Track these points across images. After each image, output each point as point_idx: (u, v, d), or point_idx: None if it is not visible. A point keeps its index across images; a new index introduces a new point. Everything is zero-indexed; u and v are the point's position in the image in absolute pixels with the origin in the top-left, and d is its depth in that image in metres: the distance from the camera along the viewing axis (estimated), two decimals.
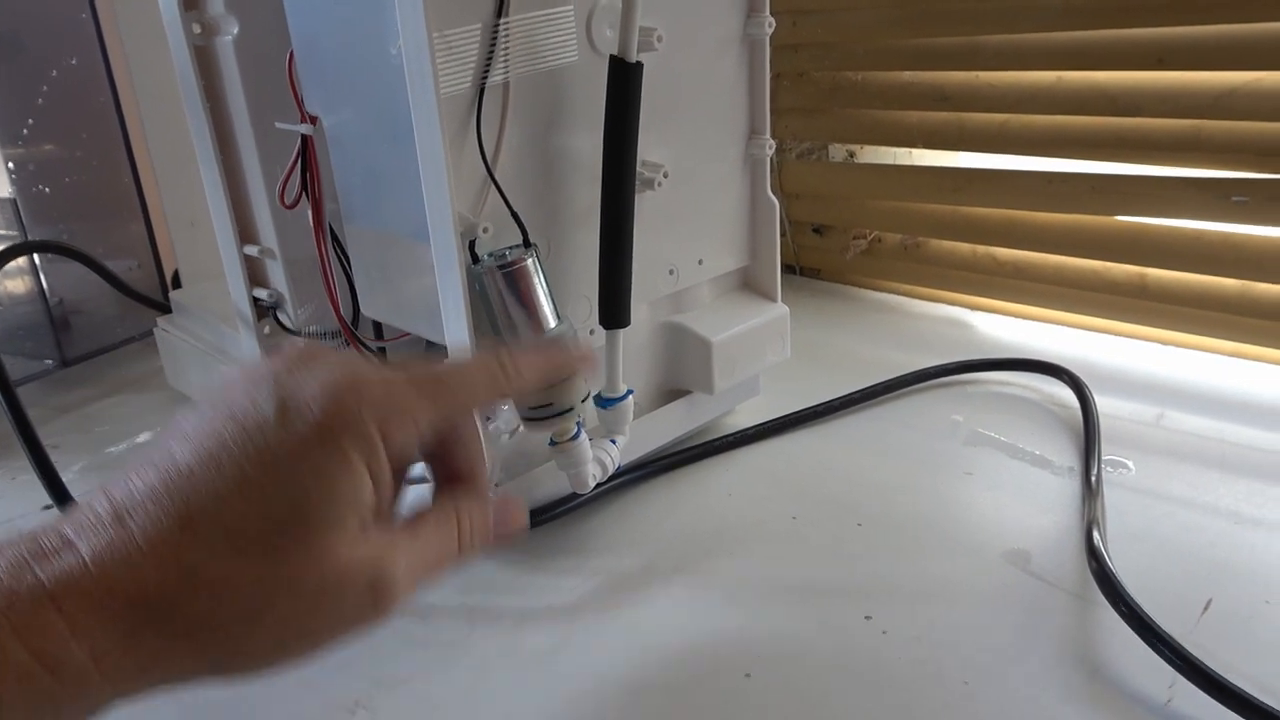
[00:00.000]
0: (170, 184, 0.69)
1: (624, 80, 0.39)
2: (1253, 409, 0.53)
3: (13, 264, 0.63)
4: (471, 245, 0.38)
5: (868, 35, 0.67)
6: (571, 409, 0.39)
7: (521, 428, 0.40)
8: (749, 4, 0.47)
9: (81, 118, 0.67)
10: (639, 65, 0.39)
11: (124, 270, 0.69)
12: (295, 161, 0.45)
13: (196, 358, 0.59)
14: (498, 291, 0.38)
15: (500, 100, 0.38)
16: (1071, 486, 0.46)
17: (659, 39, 0.41)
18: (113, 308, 0.70)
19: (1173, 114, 0.55)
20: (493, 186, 0.38)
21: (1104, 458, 0.48)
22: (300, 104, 0.44)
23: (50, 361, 0.67)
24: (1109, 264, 0.62)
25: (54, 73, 0.65)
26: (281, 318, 0.52)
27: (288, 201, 0.46)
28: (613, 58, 0.39)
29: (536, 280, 0.38)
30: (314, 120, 0.44)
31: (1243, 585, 0.39)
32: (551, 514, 0.46)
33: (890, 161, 0.74)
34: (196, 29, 0.47)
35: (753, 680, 0.36)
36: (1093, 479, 0.45)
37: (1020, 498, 0.46)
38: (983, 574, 0.41)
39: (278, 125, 0.45)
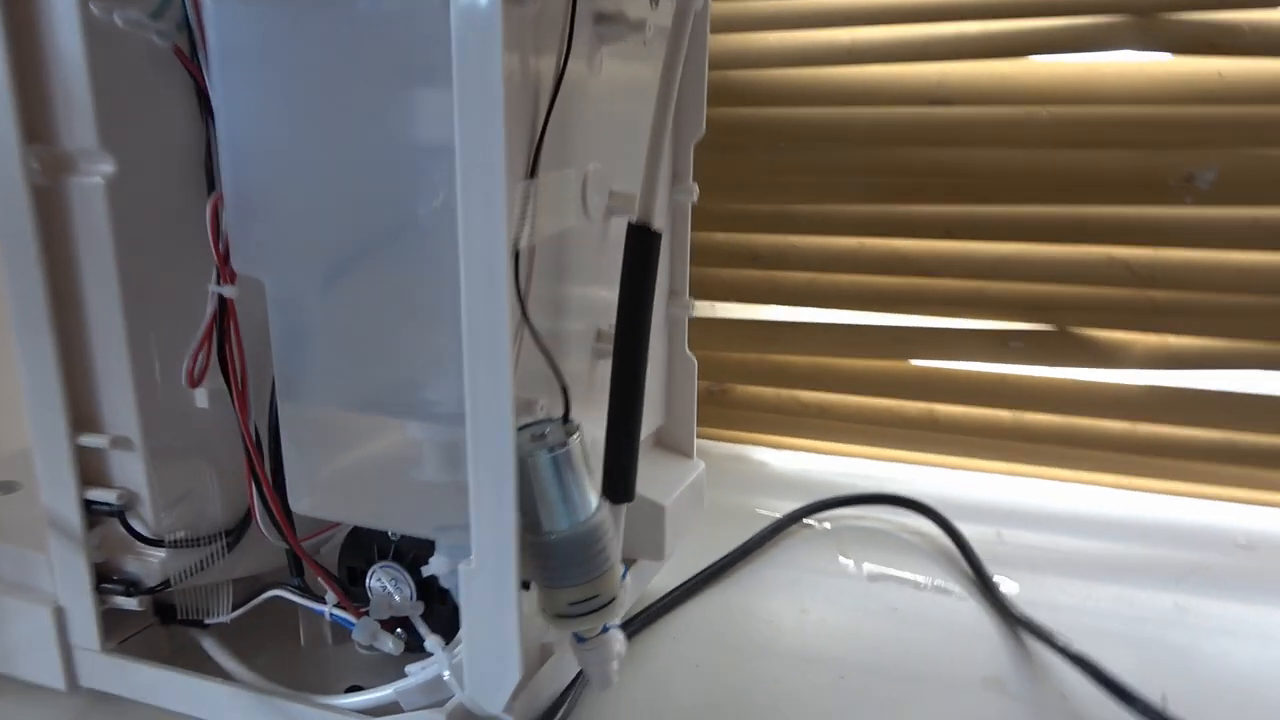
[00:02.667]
0: None
1: (645, 247, 0.37)
2: (1061, 520, 0.63)
3: None
4: None
5: None
6: (614, 599, 0.36)
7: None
8: (675, 172, 0.48)
9: None
10: (659, 234, 0.38)
11: None
12: (210, 329, 0.37)
13: None
14: (541, 476, 0.34)
15: (527, 265, 0.35)
16: (983, 609, 0.51)
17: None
18: None
19: (959, 275, 0.65)
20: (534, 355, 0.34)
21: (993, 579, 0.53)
22: (223, 261, 0.36)
23: None
24: (903, 402, 0.70)
25: None
26: (133, 523, 0.40)
27: (195, 378, 0.37)
28: (633, 225, 0.37)
29: (582, 461, 0.35)
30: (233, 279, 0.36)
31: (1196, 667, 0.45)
32: None
33: (706, 315, 0.77)
34: (36, 166, 0.37)
35: None
36: (1004, 601, 0.50)
37: (955, 626, 0.49)
38: (982, 705, 0.43)
39: (212, 288, 0.36)
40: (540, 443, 0.34)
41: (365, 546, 0.41)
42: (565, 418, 0.35)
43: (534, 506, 0.34)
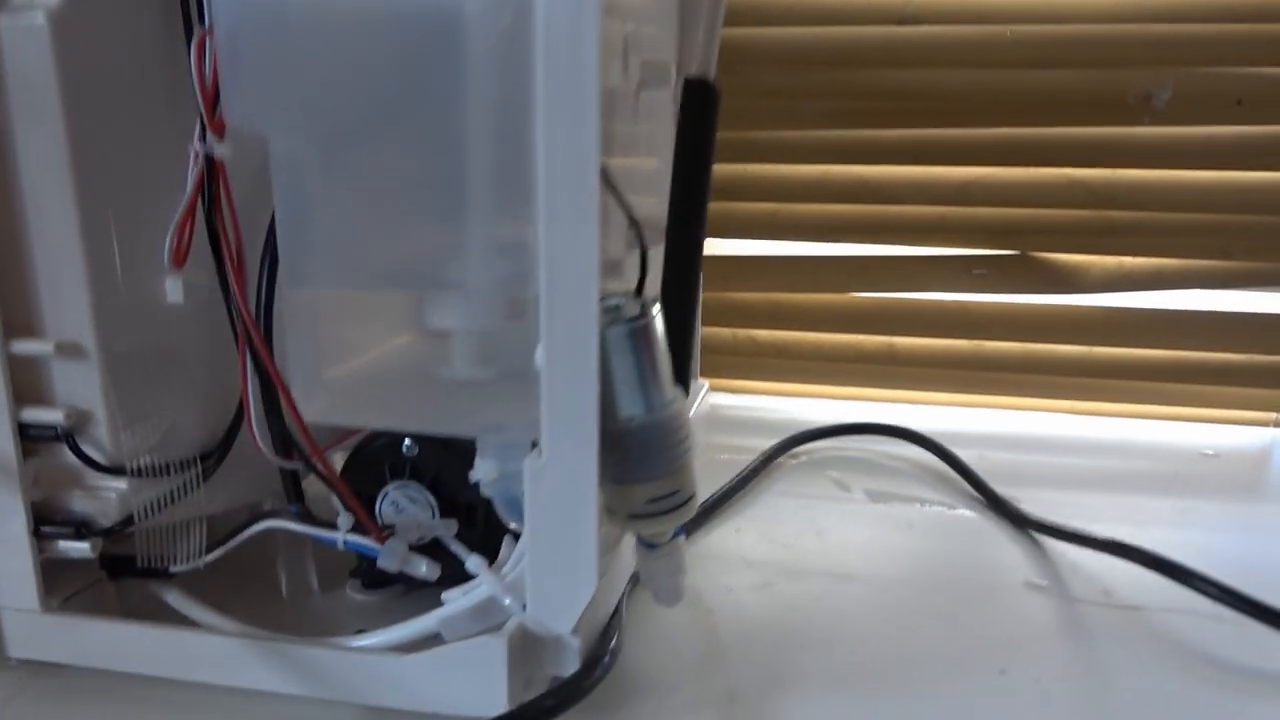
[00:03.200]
0: None
1: (707, 104, 0.33)
2: (1034, 442, 0.63)
3: None
4: None
5: None
6: (693, 495, 0.31)
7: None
8: None
9: None
10: (719, 92, 0.34)
11: None
12: (195, 196, 0.30)
13: None
14: (619, 354, 0.29)
15: None
16: (997, 521, 0.50)
17: None
18: None
19: (925, 201, 0.64)
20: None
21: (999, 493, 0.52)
22: (210, 115, 0.30)
23: None
24: (862, 336, 0.69)
25: None
26: (85, 447, 0.33)
27: (181, 256, 0.30)
28: (692, 80, 0.33)
29: (661, 338, 0.30)
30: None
31: None
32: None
33: None
34: None
35: None
36: (1017, 510, 0.49)
37: (977, 537, 0.48)
38: (1034, 607, 0.41)
39: (196, 146, 0.29)
40: (614, 316, 0.29)
41: (372, 466, 0.35)
42: (640, 288, 0.31)
43: (608, 390, 0.30)
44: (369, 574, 0.39)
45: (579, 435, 0.29)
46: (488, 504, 0.35)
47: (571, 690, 0.30)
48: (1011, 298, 0.66)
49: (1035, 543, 0.47)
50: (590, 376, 0.28)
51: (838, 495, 0.53)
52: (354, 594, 0.39)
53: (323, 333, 0.32)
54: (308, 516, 0.34)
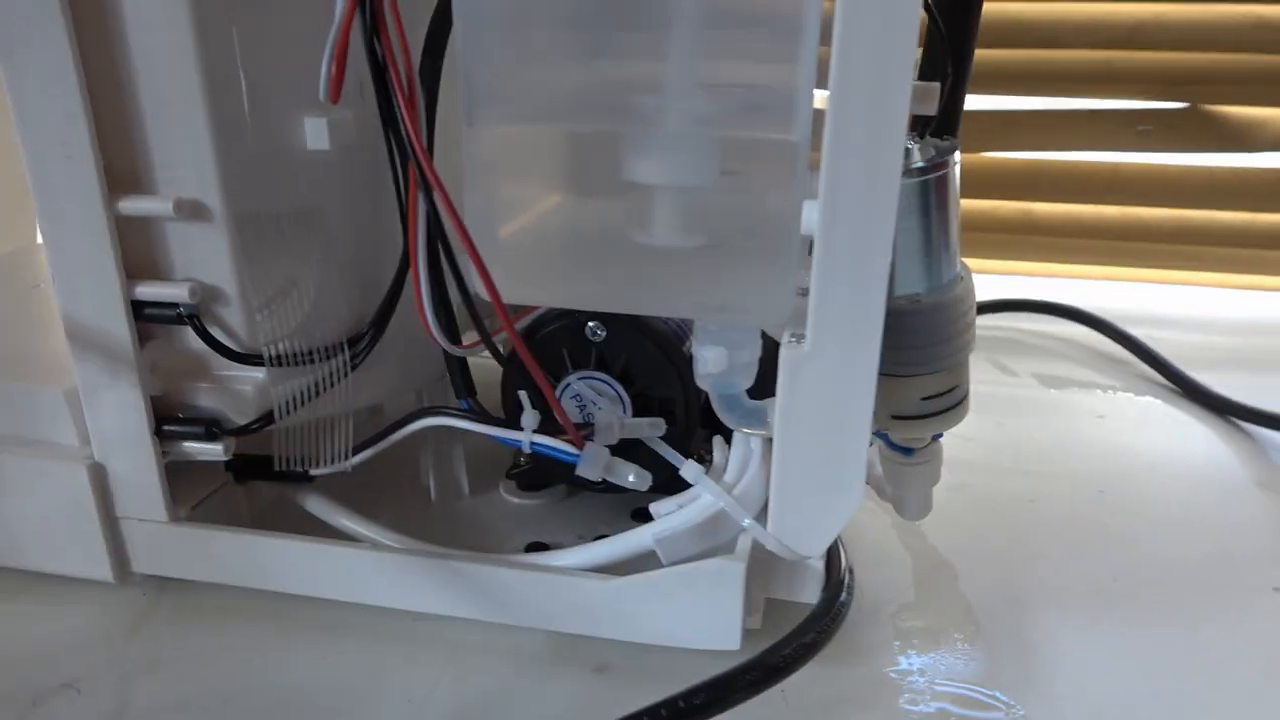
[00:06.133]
0: None
1: None
2: (1199, 322, 0.57)
3: None
4: None
5: None
6: (968, 394, 0.26)
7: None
8: None
9: None
10: None
11: None
12: (352, 8, 0.23)
13: None
14: (906, 217, 0.23)
15: None
16: (1194, 408, 0.44)
17: None
18: None
19: (1089, 45, 0.56)
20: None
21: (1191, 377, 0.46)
22: None
23: None
24: (998, 202, 0.62)
25: None
26: (213, 330, 0.27)
27: (338, 88, 0.23)
28: None
29: (955, 195, 0.24)
30: None
31: None
32: None
33: None
34: None
35: None
36: (1215, 396, 0.44)
37: (1177, 429, 0.42)
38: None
39: None
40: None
41: (546, 352, 0.29)
42: (933, 126, 0.24)
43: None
44: (528, 475, 0.34)
45: (860, 322, 0.22)
46: (686, 399, 0.29)
47: (830, 621, 0.25)
48: (1170, 157, 0.59)
49: (1245, 433, 0.42)
50: (885, 243, 0.22)
51: (1004, 380, 0.47)
52: (509, 496, 0.34)
53: (503, 187, 0.26)
54: (482, 413, 0.28)
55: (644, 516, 0.32)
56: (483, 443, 0.29)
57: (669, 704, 0.22)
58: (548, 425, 0.27)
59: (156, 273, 0.27)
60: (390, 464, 0.31)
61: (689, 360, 0.29)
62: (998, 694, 0.26)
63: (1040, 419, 0.43)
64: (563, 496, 0.34)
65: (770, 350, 0.25)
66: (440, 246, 0.25)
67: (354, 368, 0.29)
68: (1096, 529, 0.35)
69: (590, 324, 0.29)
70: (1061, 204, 0.61)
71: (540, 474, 0.34)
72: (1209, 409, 0.44)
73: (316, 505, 0.31)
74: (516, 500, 0.34)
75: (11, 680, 0.27)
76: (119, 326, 0.26)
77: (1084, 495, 0.37)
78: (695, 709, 0.22)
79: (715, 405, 0.27)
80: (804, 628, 0.24)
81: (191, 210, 0.26)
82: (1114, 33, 0.56)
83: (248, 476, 0.31)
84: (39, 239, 0.49)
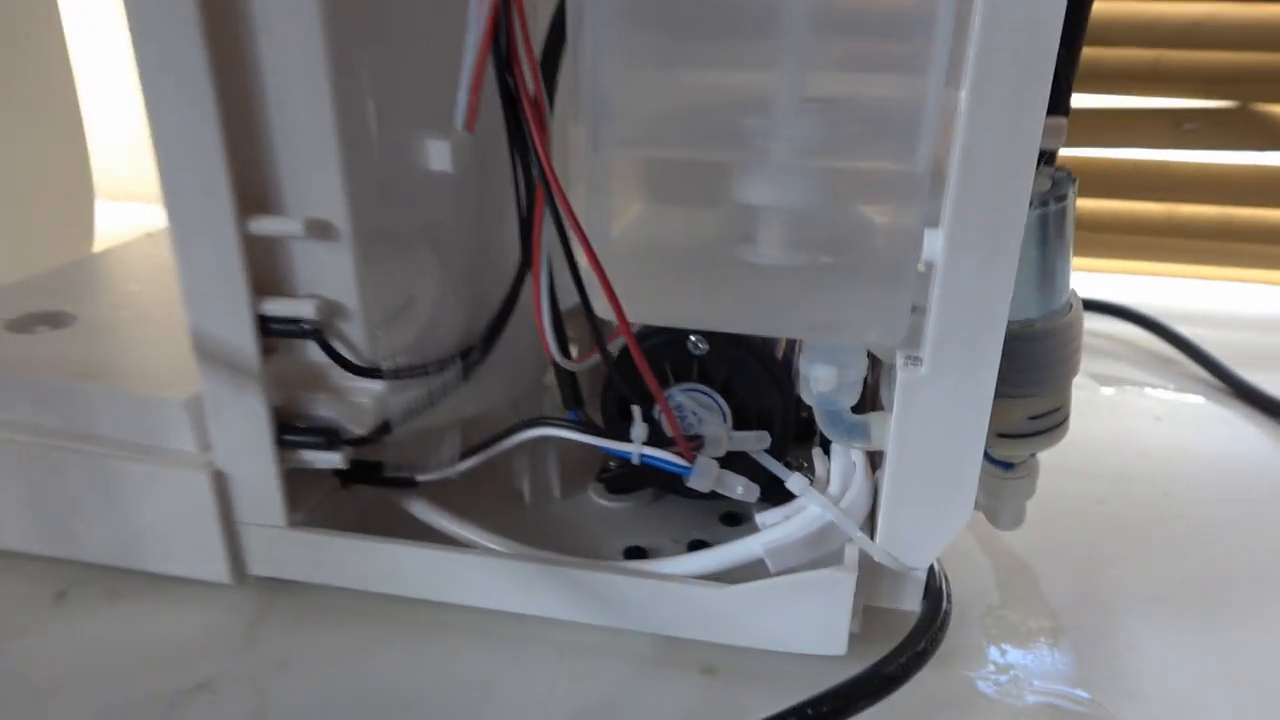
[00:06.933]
0: None
1: None
2: (1243, 320, 0.58)
3: None
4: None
5: None
6: (1069, 415, 0.27)
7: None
8: None
9: None
10: None
11: None
12: (489, 41, 0.24)
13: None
14: (1025, 247, 0.24)
15: None
16: (1245, 410, 0.45)
17: None
18: None
19: (1137, 44, 0.57)
20: None
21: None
22: None
23: None
24: None
25: None
26: (335, 344, 0.28)
27: (473, 116, 0.24)
28: None
29: (1072, 225, 0.25)
30: None
31: None
32: None
33: None
34: None
35: None
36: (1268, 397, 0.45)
37: (1236, 431, 0.43)
38: None
39: None
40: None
41: (653, 369, 0.30)
42: (1051, 157, 0.25)
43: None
44: (619, 479, 0.35)
45: (980, 346, 0.23)
46: (785, 410, 0.30)
47: (939, 629, 0.26)
48: (1216, 155, 0.60)
49: None
50: (1008, 273, 0.23)
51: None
52: (598, 499, 0.35)
53: (618, 208, 0.27)
54: (589, 424, 0.29)
55: (732, 520, 0.34)
56: (570, 447, 0.30)
57: (797, 711, 0.23)
58: (654, 437, 0.28)
59: (282, 289, 0.28)
60: (484, 467, 0.32)
61: (788, 373, 0.30)
62: (1088, 694, 0.28)
63: (1099, 419, 0.44)
64: (650, 500, 0.35)
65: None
66: (569, 267, 0.26)
67: (465, 378, 0.30)
68: (1165, 531, 0.36)
69: (692, 338, 0.30)
70: (1106, 200, 0.62)
71: (629, 479, 0.35)
72: (1260, 409, 0.45)
73: (421, 510, 0.32)
74: (605, 503, 0.35)
75: (148, 680, 0.28)
76: (245, 341, 0.27)
77: (1149, 497, 0.38)
78: (823, 716, 0.23)
79: (820, 421, 0.28)
80: (914, 637, 0.25)
81: (319, 229, 0.27)
82: (1164, 32, 0.56)
83: (354, 481, 0.32)
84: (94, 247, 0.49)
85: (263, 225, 0.26)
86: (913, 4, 0.22)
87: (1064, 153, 0.60)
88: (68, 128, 0.55)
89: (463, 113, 0.24)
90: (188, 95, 0.25)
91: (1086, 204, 0.62)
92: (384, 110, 0.26)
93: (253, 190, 0.26)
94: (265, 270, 0.27)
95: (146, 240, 0.44)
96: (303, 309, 0.27)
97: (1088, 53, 0.57)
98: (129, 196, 0.72)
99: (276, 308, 0.27)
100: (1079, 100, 0.59)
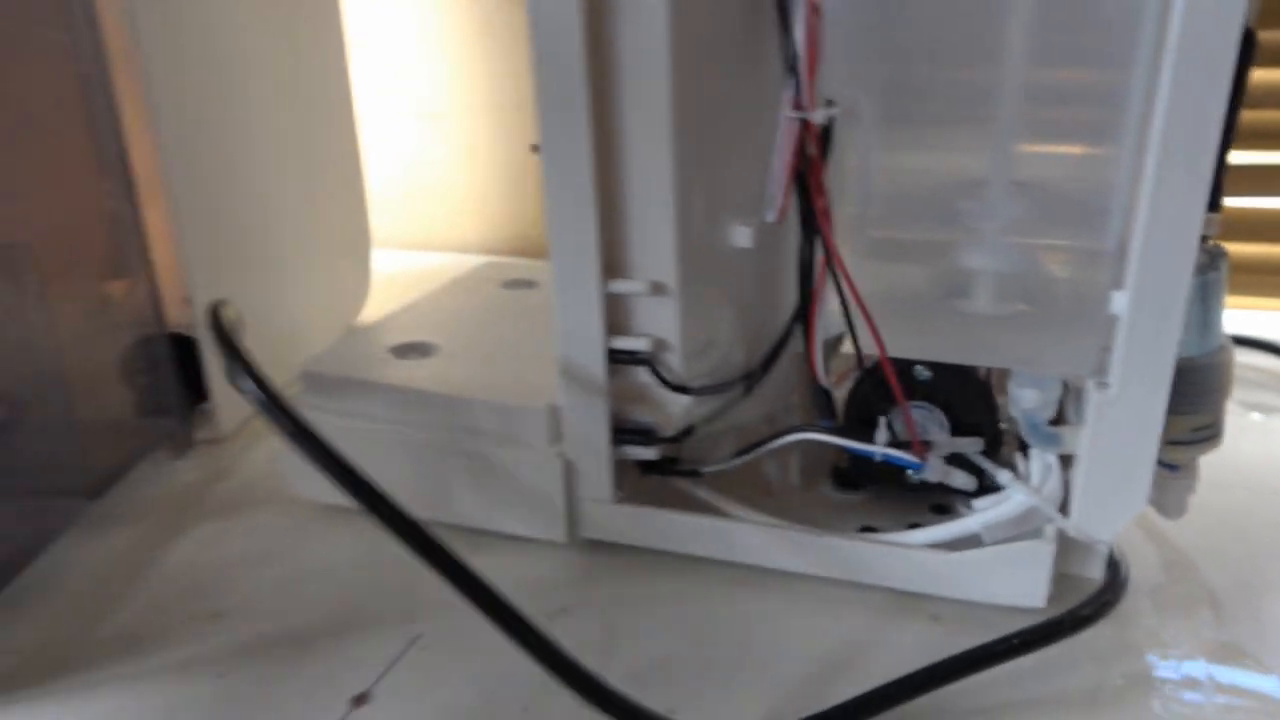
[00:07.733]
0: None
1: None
2: None
3: None
4: None
5: None
6: (1222, 429, 0.35)
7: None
8: None
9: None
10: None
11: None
12: (795, 158, 0.34)
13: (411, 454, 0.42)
14: (1193, 300, 0.32)
15: None
16: None
17: None
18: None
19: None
20: None
21: None
22: (811, 84, 0.34)
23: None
24: None
25: None
26: (661, 371, 0.39)
27: (784, 212, 0.35)
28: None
29: (1223, 288, 0.33)
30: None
31: None
32: None
33: None
34: None
35: None
36: None
37: None
38: None
39: (786, 114, 0.33)
40: None
41: (886, 390, 0.40)
42: (1205, 238, 0.34)
43: None
44: (848, 476, 0.44)
45: (1155, 377, 0.32)
46: (992, 422, 0.39)
47: (1121, 585, 0.35)
48: None
49: None
50: (1176, 324, 0.31)
51: None
52: (830, 492, 0.45)
53: (870, 269, 0.36)
54: (840, 430, 0.39)
55: (941, 510, 0.43)
56: (806, 450, 0.40)
57: (1021, 634, 0.32)
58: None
59: (624, 329, 0.38)
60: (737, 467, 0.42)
61: (992, 393, 0.39)
62: (1248, 660, 0.35)
63: (1243, 441, 0.51)
64: (872, 495, 0.45)
65: None
66: (843, 314, 0.36)
67: (747, 393, 0.40)
68: None
69: (918, 366, 0.40)
70: (1250, 244, 0.68)
71: (857, 476, 0.44)
72: None
73: (707, 494, 0.42)
74: (836, 495, 0.45)
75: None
76: (598, 367, 0.38)
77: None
78: (1036, 640, 0.32)
79: (1023, 431, 0.37)
80: (1102, 591, 0.34)
81: (657, 289, 0.37)
82: None
83: (654, 471, 0.42)
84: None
85: (619, 286, 0.37)
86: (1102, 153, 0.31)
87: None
88: (350, 178, 0.68)
89: (773, 212, 0.35)
90: (576, 193, 0.36)
91: (1237, 248, 0.68)
92: (707, 200, 0.37)
93: (613, 259, 0.37)
94: (614, 315, 0.38)
95: (452, 286, 0.57)
96: (640, 344, 0.38)
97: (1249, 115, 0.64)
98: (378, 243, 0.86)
99: (622, 343, 0.38)
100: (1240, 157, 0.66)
